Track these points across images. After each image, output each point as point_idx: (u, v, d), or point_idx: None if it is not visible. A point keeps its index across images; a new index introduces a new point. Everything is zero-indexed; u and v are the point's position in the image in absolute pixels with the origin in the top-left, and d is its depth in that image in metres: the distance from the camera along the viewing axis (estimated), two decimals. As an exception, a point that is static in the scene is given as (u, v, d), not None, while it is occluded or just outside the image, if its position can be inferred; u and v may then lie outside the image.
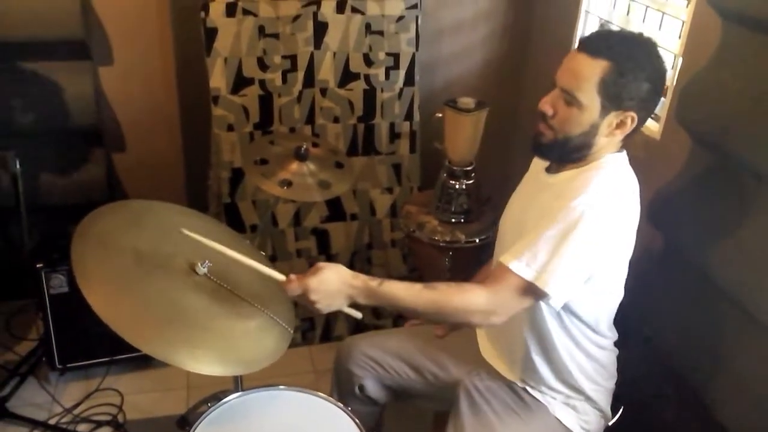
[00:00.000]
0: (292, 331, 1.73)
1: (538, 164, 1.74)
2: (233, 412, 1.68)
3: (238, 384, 1.96)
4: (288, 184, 2.03)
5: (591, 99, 1.50)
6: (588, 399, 1.75)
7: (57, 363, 2.63)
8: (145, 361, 2.72)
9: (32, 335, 2.91)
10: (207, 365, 1.51)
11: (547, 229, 1.48)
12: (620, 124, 1.53)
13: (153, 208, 1.85)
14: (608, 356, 1.77)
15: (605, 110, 1.51)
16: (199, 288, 1.64)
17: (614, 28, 2.53)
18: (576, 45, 1.55)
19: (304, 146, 2.09)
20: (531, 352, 1.71)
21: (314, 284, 1.50)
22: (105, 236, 1.64)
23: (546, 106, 1.56)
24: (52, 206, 2.85)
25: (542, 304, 1.58)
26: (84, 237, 1.60)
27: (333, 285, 1.52)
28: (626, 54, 1.48)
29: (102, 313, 1.44)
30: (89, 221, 1.67)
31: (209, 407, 1.71)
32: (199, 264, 1.65)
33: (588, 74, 1.49)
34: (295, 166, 2.09)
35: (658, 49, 1.53)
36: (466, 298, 1.50)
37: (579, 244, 1.46)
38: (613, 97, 1.49)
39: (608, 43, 1.50)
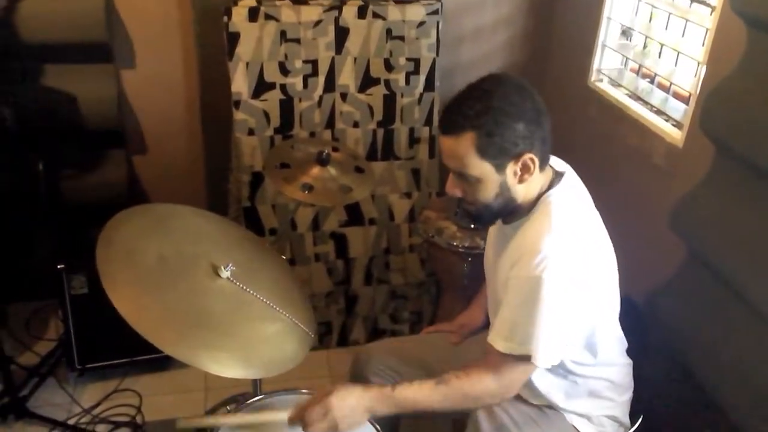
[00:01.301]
0: (313, 336, 1.74)
1: None
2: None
3: (257, 387, 1.97)
4: (309, 188, 2.04)
5: (480, 168, 1.50)
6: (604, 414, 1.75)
7: (76, 363, 2.65)
8: (163, 363, 2.74)
9: (51, 335, 2.93)
10: (229, 368, 1.52)
11: (517, 302, 1.51)
12: (524, 168, 1.51)
13: (176, 212, 1.86)
14: (620, 371, 1.77)
15: (500, 167, 1.50)
16: (222, 291, 1.65)
17: (636, 35, 2.53)
18: (439, 126, 1.57)
19: (326, 151, 2.10)
20: (543, 376, 1.71)
21: (335, 401, 1.51)
22: (129, 239, 1.65)
23: (453, 190, 1.59)
24: (73, 207, 2.87)
25: None
26: (109, 240, 1.62)
27: (351, 398, 1.54)
28: (482, 114, 1.46)
29: (127, 315, 1.45)
30: (113, 225, 1.68)
31: (228, 410, 1.72)
32: (222, 267, 1.66)
33: (462, 151, 1.49)
34: (316, 170, 2.09)
35: (507, 81, 1.51)
36: (477, 387, 1.56)
37: (550, 308, 1.47)
38: (498, 154, 1.48)
39: (460, 115, 1.48)
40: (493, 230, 1.78)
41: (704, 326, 1.95)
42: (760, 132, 1.69)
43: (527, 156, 1.49)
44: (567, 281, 1.47)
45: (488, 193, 1.53)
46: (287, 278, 1.88)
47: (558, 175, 1.61)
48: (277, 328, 1.67)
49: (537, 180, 1.56)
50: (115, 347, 2.65)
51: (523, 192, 1.55)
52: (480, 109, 1.46)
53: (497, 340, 1.53)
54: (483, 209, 1.57)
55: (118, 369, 2.71)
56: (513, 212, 1.60)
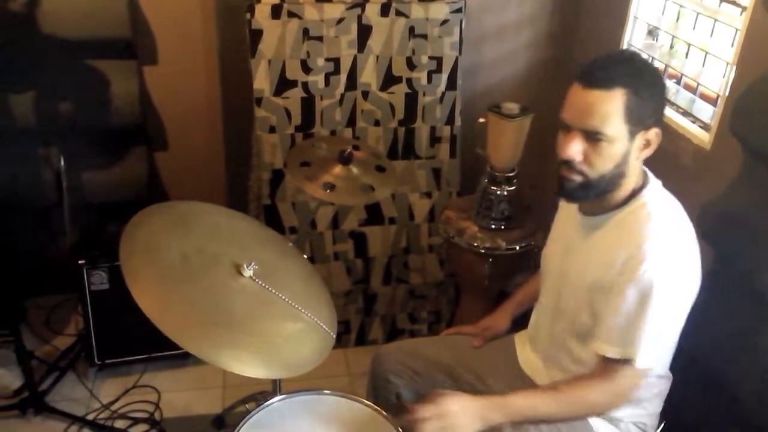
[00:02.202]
0: (334, 336, 1.73)
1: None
2: (276, 415, 1.67)
3: (277, 386, 1.96)
4: (332, 187, 2.02)
5: (619, 130, 1.48)
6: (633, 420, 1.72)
7: (96, 359, 2.66)
8: (182, 359, 2.74)
9: (71, 330, 2.94)
10: (252, 368, 1.51)
11: (623, 307, 1.51)
12: (647, 144, 1.53)
13: (199, 209, 1.86)
14: (666, 382, 1.75)
15: (632, 135, 1.50)
16: (244, 290, 1.64)
17: (663, 34, 2.50)
18: (579, 81, 1.53)
19: (348, 150, 2.08)
20: (574, 371, 1.69)
21: (451, 408, 1.51)
22: (152, 237, 1.64)
23: (572, 152, 1.52)
24: (93, 203, 2.88)
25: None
26: (132, 237, 1.61)
27: (465, 406, 1.53)
28: (635, 74, 1.48)
29: (150, 313, 1.45)
30: (136, 222, 1.67)
31: (247, 409, 1.71)
32: (245, 266, 1.65)
33: (608, 108, 1.47)
34: (338, 169, 2.08)
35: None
36: (588, 395, 1.57)
37: (658, 313, 1.49)
38: (637, 120, 1.48)
39: (614, 71, 1.48)
40: (565, 224, 1.76)
41: (730, 331, 1.92)
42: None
43: (655, 130, 1.52)
44: (675, 293, 1.51)
45: (611, 160, 1.51)
46: (309, 277, 1.87)
47: (646, 175, 1.61)
48: (299, 328, 1.66)
49: (639, 168, 1.57)
50: (134, 343, 2.67)
51: (633, 171, 1.56)
52: (634, 70, 1.49)
53: (606, 349, 1.54)
54: (594, 179, 1.53)
55: (136, 365, 2.73)
56: (603, 197, 1.58)
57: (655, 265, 1.47)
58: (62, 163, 2.72)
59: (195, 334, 1.49)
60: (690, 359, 2.04)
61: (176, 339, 1.45)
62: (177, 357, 2.71)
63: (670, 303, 1.50)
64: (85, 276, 2.56)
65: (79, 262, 2.56)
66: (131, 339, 2.63)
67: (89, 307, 2.60)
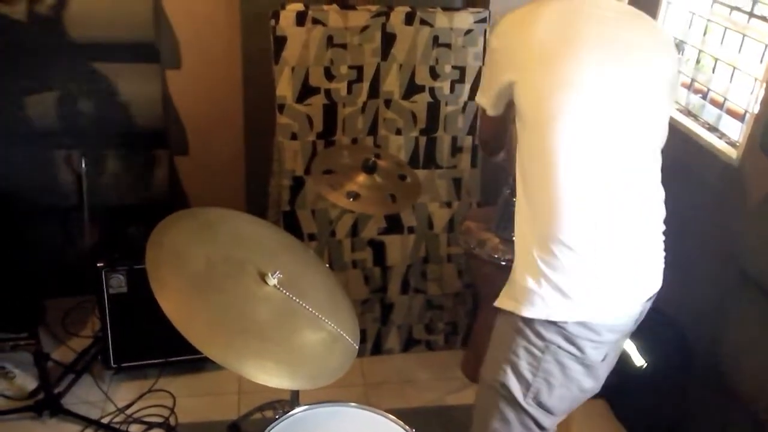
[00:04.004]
0: (357, 347, 1.72)
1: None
2: (300, 426, 1.66)
3: (296, 395, 1.95)
4: (355, 196, 2.02)
5: None
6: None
7: (112, 362, 2.65)
8: (198, 365, 2.73)
9: (87, 332, 2.94)
10: (276, 378, 1.50)
11: None
12: None
13: (224, 216, 1.85)
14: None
15: None
16: (268, 298, 1.63)
17: (689, 48, 2.48)
18: None
19: (372, 158, 2.08)
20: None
21: None
22: (178, 244, 1.64)
23: None
24: (113, 206, 2.89)
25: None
26: (158, 244, 1.60)
27: None
28: None
29: (175, 320, 1.44)
30: (162, 228, 1.67)
31: (264, 416, 1.70)
32: (270, 274, 1.64)
33: None
34: (362, 178, 2.07)
35: None
36: None
37: None
38: None
39: None
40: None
41: (756, 351, 1.90)
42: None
43: None
44: None
45: None
46: (332, 286, 1.86)
47: None
48: (323, 338, 1.65)
49: None
50: (150, 347, 2.66)
51: None
52: None
53: None
54: None
55: (152, 369, 2.71)
56: None
57: None
58: (84, 165, 2.73)
59: (220, 342, 1.48)
60: (712, 376, 2.02)
61: (202, 347, 1.44)
62: (193, 362, 2.70)
63: None
64: (104, 278, 2.56)
65: (98, 264, 2.55)
66: (148, 343, 2.63)
67: (107, 310, 2.59)
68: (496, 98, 1.68)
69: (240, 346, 1.50)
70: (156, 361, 2.70)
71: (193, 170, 3.02)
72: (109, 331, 2.61)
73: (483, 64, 2.69)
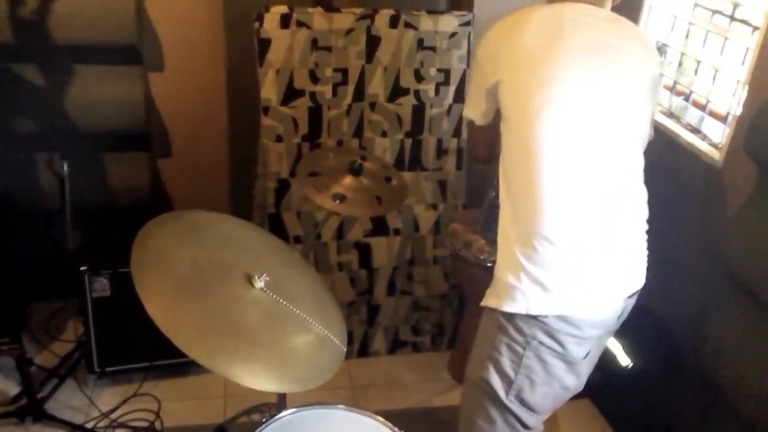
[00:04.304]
0: (345, 349, 1.71)
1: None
2: (288, 429, 1.66)
3: (283, 398, 1.95)
4: (342, 198, 2.01)
5: None
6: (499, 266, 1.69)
7: (96, 366, 2.63)
8: (183, 368, 2.71)
9: (70, 336, 2.91)
10: (264, 381, 1.50)
11: None
12: None
13: (209, 219, 1.84)
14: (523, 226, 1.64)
15: None
16: (255, 301, 1.62)
17: (672, 52, 2.51)
18: None
19: (359, 161, 2.08)
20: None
21: None
22: (163, 247, 1.63)
23: None
24: (96, 209, 2.86)
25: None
26: (143, 247, 1.59)
27: None
28: None
29: (162, 324, 1.43)
30: (147, 232, 1.65)
31: (251, 420, 1.69)
32: (257, 277, 1.63)
33: None
34: (348, 180, 2.07)
35: None
36: None
37: None
38: None
39: None
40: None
41: (740, 351, 1.92)
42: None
43: None
44: None
45: None
46: (319, 289, 1.86)
47: None
48: (310, 340, 1.65)
49: None
50: (134, 351, 2.64)
51: None
52: None
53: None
54: None
55: (137, 373, 2.69)
56: None
57: None
58: (65, 168, 2.70)
59: (208, 346, 1.47)
60: (699, 377, 2.04)
61: (189, 351, 1.43)
62: (178, 366, 2.68)
63: None
64: (87, 282, 2.53)
65: (81, 268, 2.53)
66: (132, 347, 2.61)
67: (90, 314, 2.57)
68: (484, 105, 1.70)
69: (227, 349, 1.49)
70: (140, 364, 2.67)
71: (177, 173, 3.00)
72: (92, 335, 2.59)
73: (468, 67, 2.70)
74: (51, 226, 2.88)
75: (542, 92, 1.55)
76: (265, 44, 2.52)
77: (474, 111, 1.76)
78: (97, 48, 2.66)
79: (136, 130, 2.82)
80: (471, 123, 1.82)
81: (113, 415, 2.56)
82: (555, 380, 1.67)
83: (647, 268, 1.72)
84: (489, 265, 2.43)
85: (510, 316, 1.62)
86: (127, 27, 2.66)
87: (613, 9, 1.72)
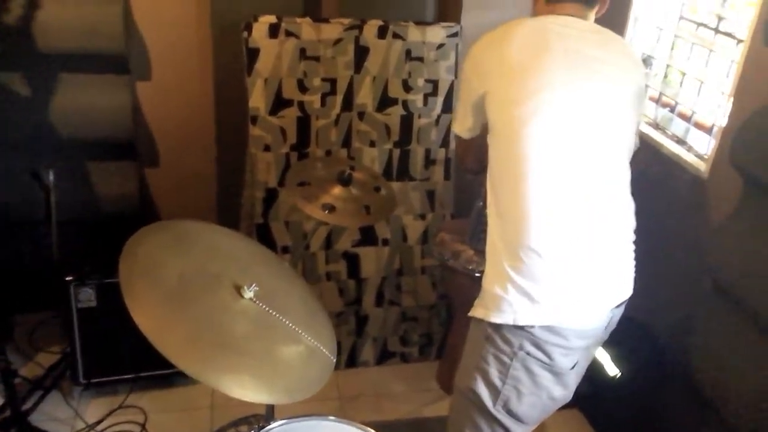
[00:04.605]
0: (335, 360, 1.71)
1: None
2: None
3: (271, 409, 1.94)
4: (331, 208, 2.01)
5: None
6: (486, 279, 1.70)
7: (81, 377, 2.60)
8: (169, 380, 2.69)
9: (54, 348, 2.87)
10: (254, 392, 1.49)
11: None
12: None
13: (197, 229, 1.83)
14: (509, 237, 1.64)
15: None
16: (244, 311, 1.62)
17: (657, 64, 2.53)
18: None
19: (348, 171, 2.08)
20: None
21: None
22: (152, 257, 1.62)
23: None
24: (83, 219, 2.84)
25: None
26: (131, 258, 1.58)
27: None
28: None
29: (151, 335, 1.42)
30: (134, 242, 1.64)
31: (237, 431, 1.68)
32: (246, 287, 1.63)
33: None
34: (338, 190, 2.07)
35: None
36: None
37: None
38: None
39: None
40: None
41: (726, 359, 1.93)
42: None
43: None
44: None
45: None
46: (308, 299, 1.85)
47: None
48: (300, 351, 1.64)
49: None
50: (120, 362, 2.61)
51: None
52: None
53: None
54: None
55: (123, 384, 2.67)
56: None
57: None
58: (51, 177, 2.68)
59: (197, 357, 1.46)
60: (686, 385, 2.05)
61: (178, 363, 1.42)
62: (164, 377, 2.66)
63: None
64: (72, 293, 2.51)
65: (67, 278, 2.51)
66: (118, 358, 2.58)
67: (76, 325, 2.54)
68: (471, 119, 1.73)
69: (217, 360, 1.48)
70: (126, 376, 2.65)
71: (164, 182, 2.99)
72: (78, 346, 2.57)
73: (456, 78, 2.71)
74: (36, 236, 2.84)
75: (529, 102, 1.57)
76: (253, 54, 2.52)
77: (460, 126, 1.79)
78: (84, 56, 2.65)
79: (123, 140, 2.81)
80: (458, 137, 1.84)
81: (99, 427, 2.53)
82: (542, 391, 1.67)
83: (635, 278, 1.73)
84: (477, 275, 2.43)
85: (497, 327, 1.63)
86: (115, 35, 2.65)
87: (598, 20, 1.75)
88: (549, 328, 1.60)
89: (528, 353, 1.62)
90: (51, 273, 2.65)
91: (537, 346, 1.62)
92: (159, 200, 3.02)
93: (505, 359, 1.64)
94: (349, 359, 2.92)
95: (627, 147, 1.69)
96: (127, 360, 2.58)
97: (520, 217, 1.58)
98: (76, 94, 2.69)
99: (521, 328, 1.60)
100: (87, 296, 2.52)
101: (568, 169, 1.59)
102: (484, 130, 1.73)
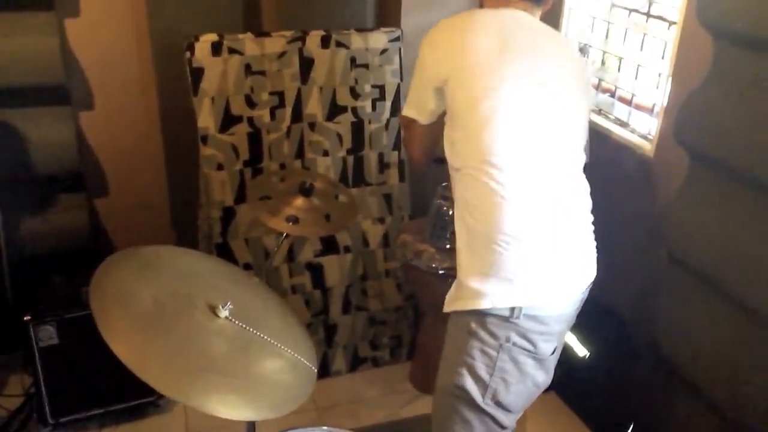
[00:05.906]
0: (316, 370, 1.71)
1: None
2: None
3: (252, 426, 1.92)
4: (295, 220, 2.02)
5: None
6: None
7: (49, 418, 2.52)
8: (141, 410, 2.63)
9: (17, 391, 2.78)
10: (240, 411, 1.48)
11: None
12: None
13: (162, 253, 1.81)
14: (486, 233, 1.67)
15: None
16: (221, 330, 1.60)
17: (594, 51, 2.62)
18: None
19: (309, 181, 2.08)
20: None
21: None
22: (122, 286, 1.59)
23: None
24: (35, 256, 2.77)
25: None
26: (101, 289, 1.55)
27: None
28: None
29: (131, 364, 1.39)
30: (101, 274, 1.60)
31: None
32: (220, 306, 1.61)
33: None
34: (299, 201, 2.08)
35: None
36: None
37: None
38: None
39: None
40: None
41: (687, 328, 2.01)
42: (734, 139, 1.76)
43: None
44: None
45: None
46: (283, 312, 1.85)
47: None
48: (281, 365, 1.63)
49: None
50: (89, 397, 2.54)
51: None
52: None
53: None
54: None
55: (94, 420, 2.60)
56: None
57: None
58: (0, 217, 2.61)
59: (180, 382, 1.44)
60: (651, 357, 2.12)
61: (161, 389, 1.40)
62: (136, 408, 2.60)
63: None
64: (33, 332, 2.44)
65: (25, 318, 2.44)
66: (86, 393, 2.51)
67: (38, 364, 2.47)
68: (432, 103, 1.74)
69: (200, 382, 1.46)
70: (96, 411, 2.58)
71: (116, 211, 2.93)
72: (42, 386, 2.49)
73: (401, 81, 2.75)
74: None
75: (494, 95, 1.61)
76: (198, 73, 2.50)
77: (418, 110, 1.79)
78: (23, 90, 2.59)
79: (70, 171, 2.76)
80: (410, 125, 1.84)
81: (72, 467, 2.47)
82: (528, 378, 1.71)
83: (598, 260, 1.79)
84: (441, 272, 2.47)
85: (482, 321, 1.65)
86: (53, 67, 2.61)
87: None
88: (533, 317, 1.64)
89: (514, 344, 1.66)
90: (6, 314, 2.58)
91: (522, 336, 1.65)
92: (112, 230, 2.96)
93: (492, 352, 1.66)
94: (321, 370, 2.90)
95: (582, 134, 1.76)
96: (96, 395, 2.52)
97: (492, 204, 1.61)
98: (17, 129, 2.62)
99: (507, 319, 1.63)
100: (47, 334, 2.45)
101: (534, 157, 1.64)
102: (439, 118, 1.75)
